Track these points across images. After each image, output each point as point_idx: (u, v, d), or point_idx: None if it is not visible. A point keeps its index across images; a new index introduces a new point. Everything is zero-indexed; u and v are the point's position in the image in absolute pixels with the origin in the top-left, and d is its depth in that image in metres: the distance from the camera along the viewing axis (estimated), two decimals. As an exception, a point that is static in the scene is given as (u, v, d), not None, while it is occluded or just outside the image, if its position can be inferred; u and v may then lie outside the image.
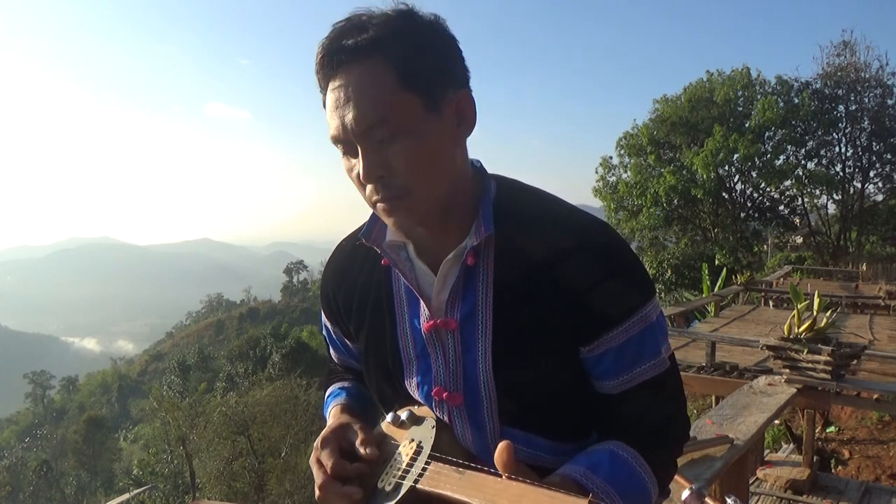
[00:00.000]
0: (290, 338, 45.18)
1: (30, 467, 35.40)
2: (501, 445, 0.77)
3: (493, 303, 0.95)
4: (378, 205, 0.91)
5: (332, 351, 1.24)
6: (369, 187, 0.90)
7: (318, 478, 0.96)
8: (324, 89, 0.90)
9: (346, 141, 0.89)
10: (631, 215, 24.81)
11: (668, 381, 0.98)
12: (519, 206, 0.97)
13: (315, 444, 1.00)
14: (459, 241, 0.95)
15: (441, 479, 0.85)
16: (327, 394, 1.21)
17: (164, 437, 25.25)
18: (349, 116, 0.86)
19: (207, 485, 19.09)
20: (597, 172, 26.09)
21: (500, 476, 0.76)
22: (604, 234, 0.95)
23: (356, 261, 1.08)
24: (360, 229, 1.08)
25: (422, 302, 0.98)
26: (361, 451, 0.95)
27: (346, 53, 0.86)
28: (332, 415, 1.11)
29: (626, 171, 25.58)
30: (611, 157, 25.96)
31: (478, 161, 1.01)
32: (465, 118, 0.93)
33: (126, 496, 25.35)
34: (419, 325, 0.99)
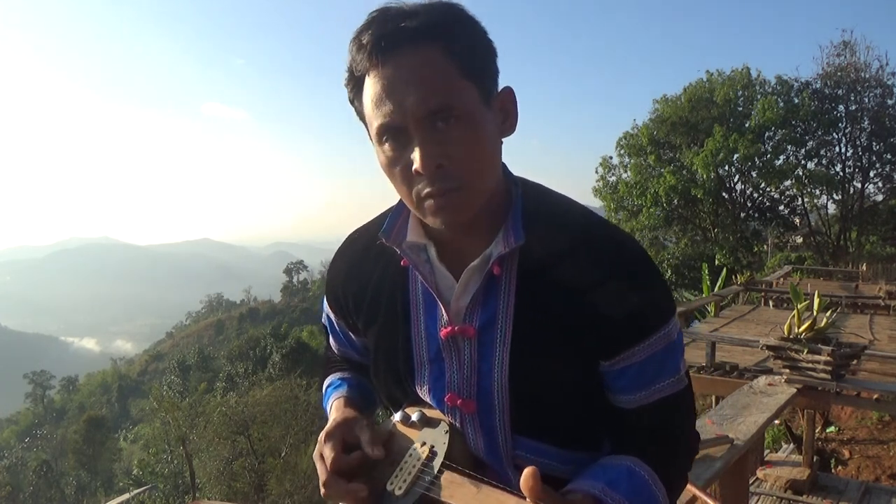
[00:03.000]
0: (290, 338, 45.22)
1: (30, 467, 35.41)
2: (528, 472, 0.74)
3: (514, 312, 0.93)
4: (428, 201, 0.86)
5: (331, 340, 1.21)
6: (421, 182, 0.85)
7: (321, 473, 0.94)
8: (368, 74, 0.84)
9: (400, 128, 0.83)
10: (631, 215, 24.80)
11: (684, 399, 0.98)
12: (546, 215, 0.94)
13: (319, 439, 0.97)
14: (483, 245, 0.93)
15: (455, 489, 0.83)
16: (327, 384, 1.19)
17: (164, 437, 25.25)
18: (410, 100, 0.81)
19: (207, 485, 19.10)
20: (597, 172, 26.13)
21: (520, 497, 0.75)
22: (632, 250, 0.94)
23: (370, 256, 1.04)
24: (374, 223, 1.05)
25: (440, 306, 0.96)
26: (368, 450, 0.93)
27: (404, 37, 0.81)
28: (335, 407, 1.08)
29: (626, 171, 25.58)
30: (611, 157, 26.00)
31: (503, 164, 0.99)
32: (509, 116, 0.91)
33: (126, 496, 25.33)
34: (435, 329, 0.97)
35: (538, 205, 0.95)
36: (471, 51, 0.85)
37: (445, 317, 0.95)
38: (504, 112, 0.90)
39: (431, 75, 0.81)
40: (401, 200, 0.98)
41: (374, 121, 0.85)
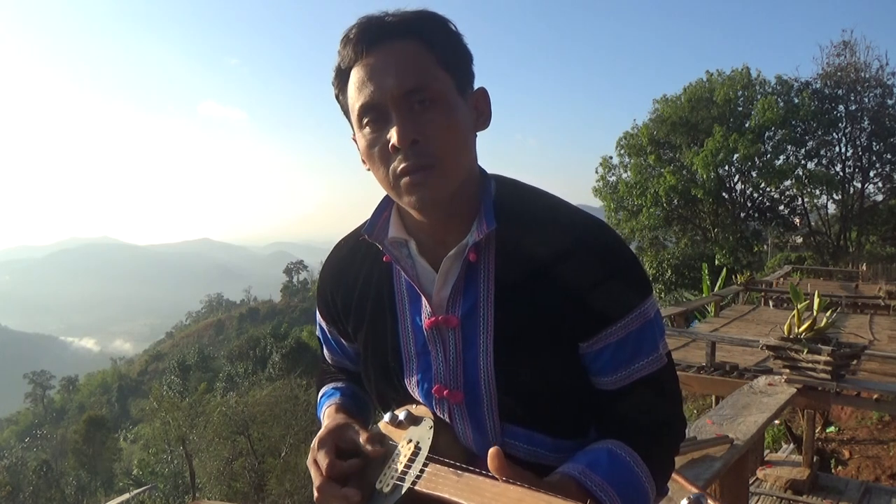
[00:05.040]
0: (290, 338, 45.24)
1: (30, 467, 35.33)
2: (492, 452, 0.76)
3: (495, 300, 0.95)
4: (404, 178, 0.89)
5: (325, 351, 1.24)
6: (398, 158, 0.89)
7: (315, 479, 0.95)
8: (353, 66, 0.91)
9: (379, 107, 0.89)
10: (631, 215, 24.81)
11: (665, 379, 0.98)
12: (519, 204, 0.98)
13: (312, 445, 0.99)
14: (461, 239, 0.96)
15: (439, 481, 0.85)
16: (321, 394, 1.21)
17: (164, 437, 25.17)
18: (389, 81, 0.87)
19: (207, 485, 19.09)
20: (597, 172, 26.17)
21: (498, 479, 0.76)
22: (603, 233, 0.96)
23: (356, 259, 1.08)
24: (360, 228, 1.07)
25: (423, 299, 0.98)
26: (368, 448, 0.95)
27: (387, 30, 0.89)
28: (328, 415, 1.10)
29: (626, 171, 25.62)
30: (611, 157, 26.05)
31: (479, 164, 1.03)
32: (483, 113, 0.97)
33: (126, 496, 25.31)
34: (420, 322, 0.99)
35: (509, 194, 0.99)
36: (448, 47, 0.92)
37: (428, 308, 0.98)
38: (478, 111, 0.97)
39: (410, 61, 0.89)
40: (382, 200, 1.03)
41: (356, 103, 0.90)
